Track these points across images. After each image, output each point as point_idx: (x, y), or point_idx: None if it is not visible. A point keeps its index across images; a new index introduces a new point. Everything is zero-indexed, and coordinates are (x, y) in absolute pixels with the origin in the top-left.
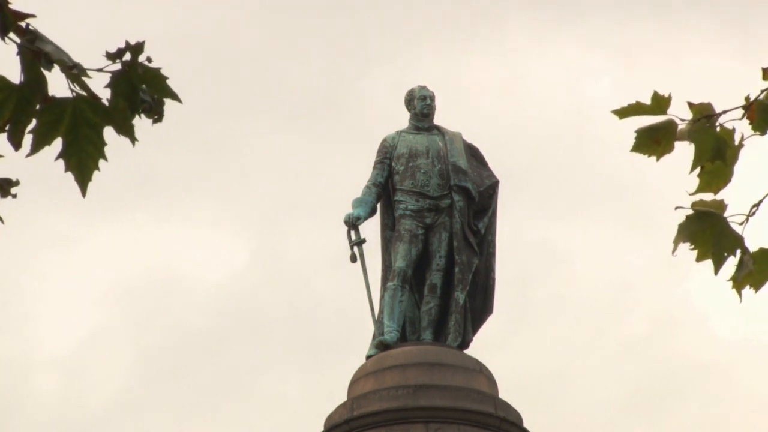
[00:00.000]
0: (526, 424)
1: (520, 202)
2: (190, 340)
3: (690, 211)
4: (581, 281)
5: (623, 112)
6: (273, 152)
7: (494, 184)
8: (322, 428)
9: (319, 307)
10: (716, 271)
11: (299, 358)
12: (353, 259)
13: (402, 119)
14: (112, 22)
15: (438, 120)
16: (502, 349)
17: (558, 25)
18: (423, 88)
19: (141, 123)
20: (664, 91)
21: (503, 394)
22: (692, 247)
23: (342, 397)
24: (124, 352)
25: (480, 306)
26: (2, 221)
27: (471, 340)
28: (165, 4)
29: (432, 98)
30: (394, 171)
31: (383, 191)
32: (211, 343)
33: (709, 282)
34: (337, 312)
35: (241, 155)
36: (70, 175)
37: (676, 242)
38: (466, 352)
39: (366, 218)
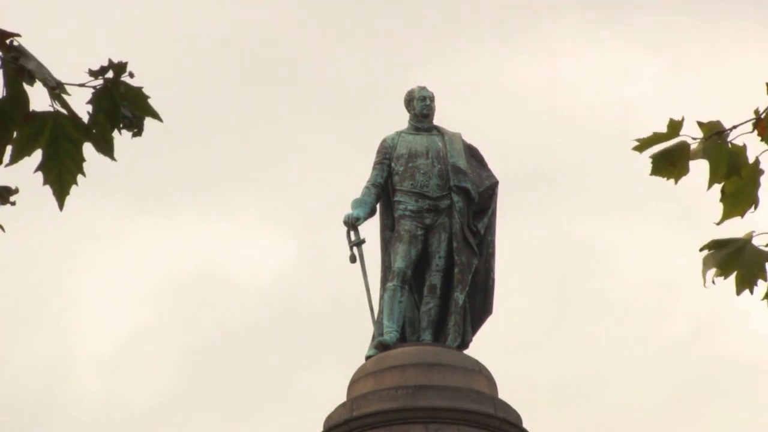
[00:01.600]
0: (561, 422)
1: (564, 199)
2: (235, 338)
3: (711, 243)
4: (625, 279)
5: (643, 146)
6: (318, 150)
7: (494, 185)
8: (322, 428)
9: (365, 305)
10: (751, 292)
11: (343, 356)
12: (353, 259)
13: (444, 117)
14: (155, 20)
15: (486, 117)
16: (545, 347)
17: (603, 25)
18: (422, 88)
19: (179, 124)
20: (693, 110)
21: (545, 393)
22: (720, 274)
23: None
24: (168, 350)
25: (479, 306)
26: (3, 229)
27: (470, 340)
28: (211, 2)
29: (431, 99)
30: (393, 171)
31: (383, 192)
32: (255, 342)
33: None
34: None
35: (287, 153)
36: (114, 173)
37: (704, 273)
38: (466, 352)
39: (365, 219)
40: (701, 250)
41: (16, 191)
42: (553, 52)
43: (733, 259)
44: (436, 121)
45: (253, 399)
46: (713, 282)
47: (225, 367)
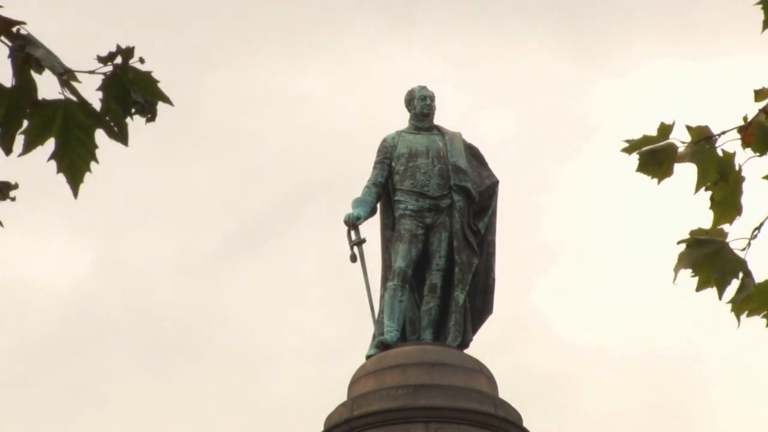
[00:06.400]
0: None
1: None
2: (38, 347)
3: (690, 239)
4: None
5: (632, 148)
6: (112, 159)
7: (494, 184)
8: (323, 428)
9: (163, 312)
10: (720, 296)
11: (146, 363)
12: (353, 259)
13: (239, 127)
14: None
15: (279, 126)
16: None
17: (394, 30)
18: (423, 88)
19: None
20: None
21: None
22: (693, 274)
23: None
24: None
25: (480, 306)
26: (1, 224)
27: (471, 339)
28: None
29: (432, 98)
30: (394, 171)
31: (383, 191)
32: (58, 350)
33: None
34: (180, 317)
35: None
36: None
37: (677, 270)
38: (466, 351)
39: (366, 218)
40: (679, 243)
41: (16, 186)
42: (343, 60)
43: (708, 261)
44: (218, 125)
45: (59, 408)
46: (698, 287)
47: (31, 376)
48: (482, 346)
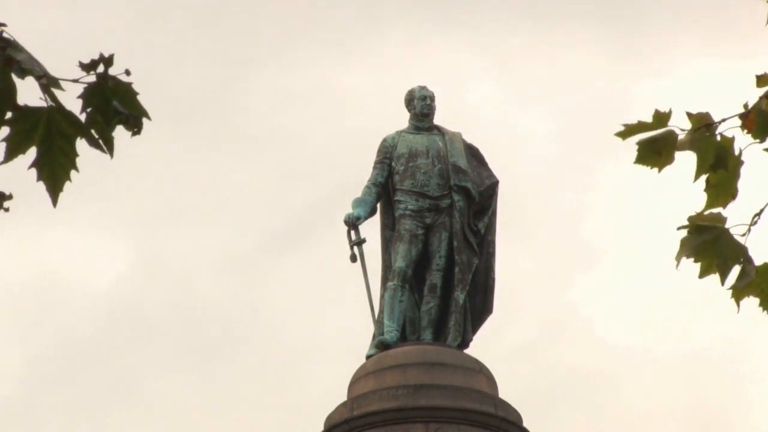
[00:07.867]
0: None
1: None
2: (77, 345)
3: (690, 225)
4: None
5: (626, 133)
6: (152, 156)
7: (494, 184)
8: (323, 428)
9: (203, 310)
10: (723, 282)
11: (185, 361)
12: (353, 259)
13: (281, 125)
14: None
15: (322, 124)
16: None
17: (437, 28)
18: (423, 88)
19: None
20: (663, 108)
21: None
22: (695, 260)
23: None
24: (10, 358)
25: (480, 306)
26: None
27: (471, 339)
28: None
29: (432, 98)
30: (394, 171)
31: (383, 191)
32: (98, 348)
33: (593, 289)
34: (220, 315)
35: (121, 160)
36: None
37: (679, 257)
38: (466, 351)
39: (366, 218)
40: (679, 229)
41: (10, 197)
42: (386, 59)
43: (709, 247)
44: (258, 122)
45: (98, 405)
46: (706, 275)
47: (69, 374)
48: (521, 344)
